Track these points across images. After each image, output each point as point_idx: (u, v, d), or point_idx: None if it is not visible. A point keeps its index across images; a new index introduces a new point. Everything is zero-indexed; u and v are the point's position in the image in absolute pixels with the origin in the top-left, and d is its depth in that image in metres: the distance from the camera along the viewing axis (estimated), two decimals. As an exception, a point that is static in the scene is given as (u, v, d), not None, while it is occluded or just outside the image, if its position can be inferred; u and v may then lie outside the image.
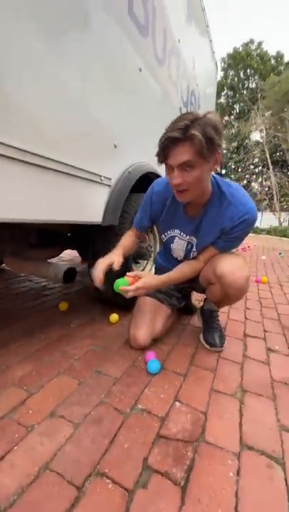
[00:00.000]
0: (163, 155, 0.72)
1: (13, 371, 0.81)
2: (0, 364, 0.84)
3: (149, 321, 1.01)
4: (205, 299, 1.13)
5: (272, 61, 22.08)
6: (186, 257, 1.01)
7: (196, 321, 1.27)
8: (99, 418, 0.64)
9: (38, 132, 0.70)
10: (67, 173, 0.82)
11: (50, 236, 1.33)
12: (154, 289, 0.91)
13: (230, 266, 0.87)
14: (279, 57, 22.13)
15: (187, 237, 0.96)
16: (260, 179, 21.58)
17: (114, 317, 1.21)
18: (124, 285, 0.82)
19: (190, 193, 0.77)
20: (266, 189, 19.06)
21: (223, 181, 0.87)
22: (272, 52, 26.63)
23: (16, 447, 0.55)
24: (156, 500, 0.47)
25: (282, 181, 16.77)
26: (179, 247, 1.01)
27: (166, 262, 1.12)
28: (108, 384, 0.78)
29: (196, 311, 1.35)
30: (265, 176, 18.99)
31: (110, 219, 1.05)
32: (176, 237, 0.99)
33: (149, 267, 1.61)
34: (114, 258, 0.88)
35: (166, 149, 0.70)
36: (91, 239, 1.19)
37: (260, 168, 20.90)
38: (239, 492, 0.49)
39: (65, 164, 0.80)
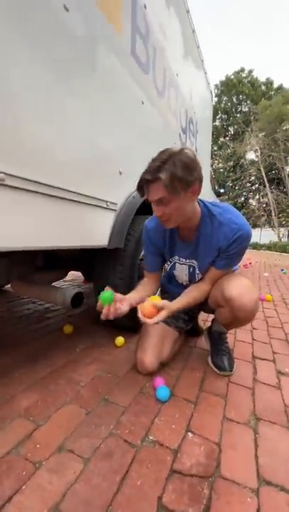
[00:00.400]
0: (141, 192, 0.81)
1: (19, 401, 0.79)
2: (4, 394, 0.82)
3: (157, 345, 0.99)
4: (213, 320, 1.12)
5: (263, 87, 23.43)
6: (192, 281, 1.02)
7: (203, 343, 1.25)
8: (109, 452, 0.62)
9: (49, 163, 0.74)
10: (75, 201, 0.85)
11: (56, 259, 1.34)
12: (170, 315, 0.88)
13: (239, 288, 0.87)
14: (269, 83, 23.54)
15: (187, 261, 0.98)
16: (257, 196, 22.08)
17: (120, 340, 1.19)
18: (110, 300, 0.81)
19: (172, 221, 0.83)
20: (264, 206, 19.44)
21: (211, 203, 0.92)
22: (262, 78, 28.32)
23: (24, 486, 0.52)
24: None
25: (278, 198, 17.15)
26: (181, 272, 1.03)
27: (172, 286, 1.13)
28: (117, 413, 0.75)
29: (202, 333, 1.34)
30: (262, 193, 19.46)
31: (116, 242, 1.07)
32: (177, 264, 1.02)
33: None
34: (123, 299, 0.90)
35: (142, 188, 0.79)
36: (96, 261, 1.21)
37: (256, 185, 21.49)
38: (261, 535, 0.46)
39: (73, 192, 0.83)
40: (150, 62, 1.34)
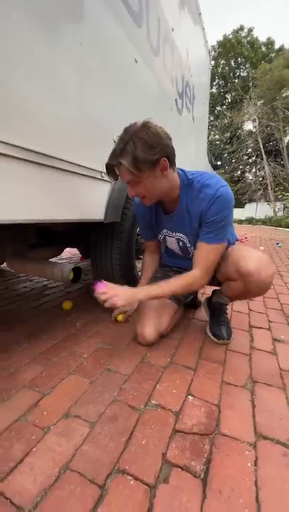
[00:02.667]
0: (113, 176, 0.80)
1: (23, 373, 0.80)
2: (7, 367, 0.84)
3: (156, 317, 1.00)
4: (214, 291, 1.14)
5: (263, 48, 21.82)
6: (185, 253, 1.02)
7: (201, 314, 1.28)
8: (114, 416, 0.64)
9: (37, 129, 0.68)
10: (68, 171, 0.80)
11: (51, 235, 1.31)
12: (130, 300, 0.87)
13: (256, 263, 0.84)
14: (269, 43, 21.90)
15: (174, 234, 0.98)
16: (253, 169, 21.56)
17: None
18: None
19: (148, 198, 0.83)
20: (260, 179, 19.07)
21: (190, 172, 0.89)
22: (262, 38, 26.26)
23: (34, 449, 0.55)
24: (178, 494, 0.47)
25: (275, 171, 16.79)
26: (172, 245, 1.04)
27: (168, 257, 1.13)
28: (120, 381, 0.78)
29: (200, 305, 1.36)
30: (258, 166, 18.99)
31: (112, 216, 1.04)
32: (166, 237, 1.02)
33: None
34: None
35: (111, 172, 0.79)
36: (93, 236, 1.18)
37: (253, 158, 20.88)
38: (259, 482, 0.50)
39: (65, 161, 0.78)
40: (143, 12, 1.20)
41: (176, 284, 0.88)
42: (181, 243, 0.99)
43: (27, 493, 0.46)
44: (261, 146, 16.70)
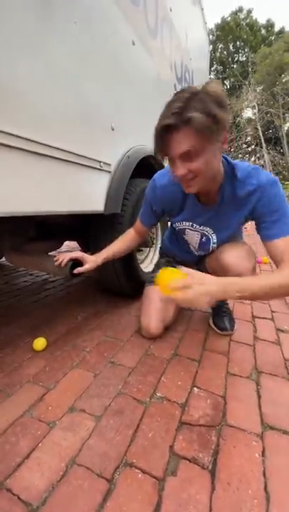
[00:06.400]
0: (160, 148, 0.62)
1: (26, 368, 0.80)
2: (11, 362, 0.83)
3: (161, 309, 0.99)
4: None
5: (263, 31, 21.10)
6: (203, 249, 0.94)
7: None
8: (119, 409, 0.64)
9: (31, 115, 0.64)
10: (66, 160, 0.77)
11: (50, 228, 1.28)
12: (219, 297, 0.64)
13: (234, 256, 0.83)
14: (269, 26, 21.18)
15: (201, 228, 0.86)
16: (253, 158, 21.28)
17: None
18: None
19: (199, 180, 0.64)
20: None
21: (233, 161, 0.77)
22: (262, 20, 25.35)
23: (40, 444, 0.54)
24: (186, 486, 0.47)
25: (275, 159, 16.56)
26: (192, 239, 0.94)
27: (178, 250, 1.07)
28: (124, 374, 0.77)
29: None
30: (258, 155, 18.70)
31: (112, 207, 1.01)
32: (187, 230, 0.92)
33: (152, 254, 1.59)
34: (86, 258, 0.91)
35: (162, 140, 0.60)
36: (93, 229, 1.15)
37: (252, 146, 20.55)
38: (267, 472, 0.50)
39: (63, 150, 0.75)
40: (140, -11, 1.14)
41: (272, 283, 0.64)
42: (204, 238, 0.89)
43: (35, 489, 0.46)
44: (261, 134, 16.40)
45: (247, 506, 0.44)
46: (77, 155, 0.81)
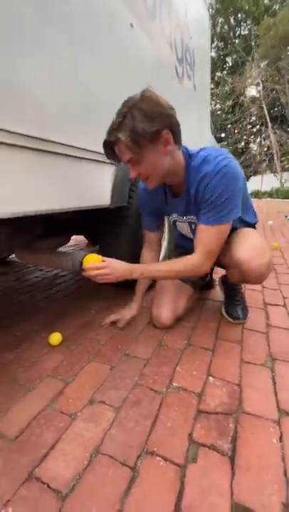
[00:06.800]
0: (108, 156, 0.73)
1: (44, 363, 0.82)
2: (29, 357, 0.85)
3: (172, 300, 1.00)
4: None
5: (266, 0, 19.78)
6: None
7: (215, 294, 1.27)
8: (137, 400, 0.66)
9: (31, 110, 0.63)
10: (69, 155, 0.75)
11: (57, 224, 1.29)
12: (126, 277, 0.81)
13: (248, 251, 0.80)
14: (273, -6, 19.77)
15: (185, 218, 0.91)
16: (258, 139, 20.53)
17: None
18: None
19: (152, 178, 0.75)
20: (265, 149, 18.20)
21: (191, 149, 0.80)
22: (264, -11, 23.71)
23: (63, 435, 0.56)
24: (208, 472, 0.48)
25: (282, 139, 15.94)
26: (183, 230, 0.99)
27: (181, 239, 1.10)
28: (139, 366, 0.79)
29: (214, 286, 1.35)
30: (263, 135, 18.05)
31: (119, 200, 1.00)
32: (177, 222, 0.96)
33: (163, 250, 1.57)
34: (125, 313, 1.00)
35: (107, 151, 0.72)
36: (101, 223, 1.15)
37: (257, 127, 19.80)
38: (286, 458, 0.51)
39: (64, 145, 0.73)
40: None
41: (174, 266, 0.82)
42: (193, 225, 0.92)
43: (62, 478, 0.48)
44: (266, 113, 15.75)
45: (267, 491, 0.45)
46: (80, 149, 0.79)
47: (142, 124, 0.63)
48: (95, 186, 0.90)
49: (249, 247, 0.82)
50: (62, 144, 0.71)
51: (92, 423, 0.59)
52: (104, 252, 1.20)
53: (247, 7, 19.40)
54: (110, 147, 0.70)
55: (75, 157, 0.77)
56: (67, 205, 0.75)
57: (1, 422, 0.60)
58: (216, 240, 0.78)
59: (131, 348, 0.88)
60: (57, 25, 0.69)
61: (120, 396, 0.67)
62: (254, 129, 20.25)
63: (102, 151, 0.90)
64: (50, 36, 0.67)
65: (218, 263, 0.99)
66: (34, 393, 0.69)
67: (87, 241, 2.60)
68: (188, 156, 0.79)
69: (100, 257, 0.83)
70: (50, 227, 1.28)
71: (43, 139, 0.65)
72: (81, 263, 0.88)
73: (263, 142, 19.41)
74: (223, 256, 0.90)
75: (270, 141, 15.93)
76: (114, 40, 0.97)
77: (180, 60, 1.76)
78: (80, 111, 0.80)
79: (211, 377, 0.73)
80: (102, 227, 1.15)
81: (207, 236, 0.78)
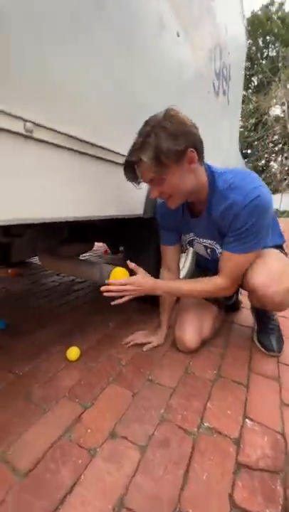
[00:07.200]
0: (129, 177, 0.70)
1: (61, 380, 0.76)
2: (45, 372, 0.79)
3: (197, 321, 0.92)
4: None
5: (296, 24, 20.00)
6: (215, 260, 0.86)
7: (242, 317, 1.17)
8: (165, 440, 0.57)
9: (79, 112, 0.59)
10: (112, 161, 0.71)
11: (83, 230, 1.25)
12: (149, 292, 0.80)
13: (264, 276, 0.73)
14: (303, 18, 20.01)
15: (202, 240, 0.86)
16: (279, 158, 20.36)
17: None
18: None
19: (175, 198, 0.72)
20: (286, 168, 17.96)
21: (217, 168, 0.75)
22: (295, 13, 24.05)
23: (82, 476, 0.49)
24: None
25: (305, 159, 15.69)
26: (200, 251, 0.93)
27: (201, 260, 1.03)
28: (165, 395, 0.71)
29: (240, 308, 1.25)
30: (286, 155, 17.88)
31: (152, 210, 0.95)
32: (195, 241, 0.90)
33: (183, 260, 1.50)
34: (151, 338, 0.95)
35: (128, 171, 0.69)
36: (130, 234, 1.10)
37: (280, 145, 19.68)
38: None
39: (109, 150, 0.69)
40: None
41: (198, 286, 0.80)
42: (209, 250, 0.87)
43: (81, 536, 0.40)
44: (290, 133, 15.62)
45: None
46: (122, 155, 0.75)
47: (167, 143, 0.61)
48: (131, 195, 0.85)
49: (265, 270, 0.74)
50: (109, 150, 0.67)
51: (114, 464, 0.52)
52: (131, 261, 1.15)
53: (276, 30, 19.70)
54: (132, 168, 0.68)
55: (117, 164, 0.72)
56: (105, 212, 0.70)
57: (13, 450, 0.54)
58: (242, 266, 0.76)
59: (154, 373, 0.80)
60: (108, 28, 0.66)
61: (145, 432, 0.59)
62: (276, 148, 20.13)
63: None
64: (100, 37, 0.64)
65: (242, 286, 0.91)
66: (50, 416, 0.63)
67: (104, 248, 2.57)
68: (212, 174, 0.74)
69: (127, 271, 0.79)
70: (75, 233, 1.24)
71: (94, 145, 0.61)
72: (109, 276, 0.82)
73: (284, 161, 19.21)
74: (243, 278, 0.82)
75: (293, 161, 15.73)
76: (161, 48, 0.94)
77: (218, 75, 1.73)
78: (125, 116, 0.77)
79: (248, 420, 0.63)
80: (130, 238, 1.10)
81: (232, 263, 0.75)
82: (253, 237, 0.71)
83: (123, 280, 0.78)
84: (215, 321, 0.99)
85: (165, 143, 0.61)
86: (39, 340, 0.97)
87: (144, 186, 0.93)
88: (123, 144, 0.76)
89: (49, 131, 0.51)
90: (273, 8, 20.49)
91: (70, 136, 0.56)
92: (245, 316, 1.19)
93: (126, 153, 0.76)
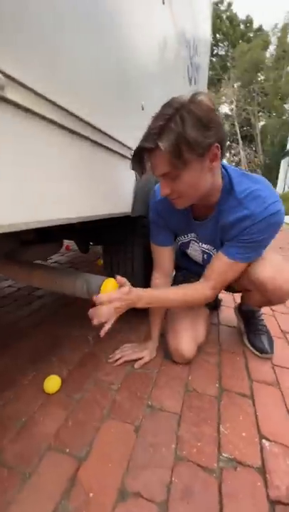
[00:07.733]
0: (137, 166, 0.59)
1: (40, 424, 0.59)
2: (17, 414, 0.62)
3: (191, 327, 0.85)
4: (242, 297, 1.00)
5: (242, 26, 21.23)
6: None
7: (226, 317, 1.15)
8: (186, 488, 0.48)
9: (74, 85, 0.43)
10: (110, 149, 0.56)
11: (50, 229, 1.04)
12: (129, 305, 0.68)
13: (270, 269, 0.72)
14: (248, 22, 21.37)
15: (201, 245, 0.81)
16: (228, 154, 21.80)
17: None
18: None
19: (187, 199, 0.64)
20: (234, 164, 19.34)
21: (235, 171, 0.68)
22: (241, 15, 25.46)
23: None
24: None
25: (250, 157, 17.14)
26: (195, 254, 0.87)
27: (185, 261, 0.96)
28: (172, 424, 0.61)
29: (220, 306, 1.24)
30: (233, 152, 19.19)
31: (141, 208, 0.82)
32: (193, 243, 0.84)
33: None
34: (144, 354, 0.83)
35: (139, 159, 0.58)
36: (111, 233, 0.95)
37: (228, 142, 21.01)
38: None
39: (99, 130, 0.54)
40: None
41: (184, 295, 0.74)
42: (206, 255, 0.83)
43: None
44: (238, 130, 16.78)
45: None
46: (110, 137, 0.59)
47: (194, 132, 0.51)
48: (120, 188, 0.71)
49: (267, 264, 0.74)
50: (94, 128, 0.51)
51: None
52: (113, 267, 1.00)
53: (225, 29, 20.57)
54: (141, 155, 0.57)
55: (111, 151, 0.57)
56: (97, 211, 0.55)
57: None
58: (233, 274, 0.73)
59: (154, 396, 0.70)
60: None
61: (161, 481, 0.49)
62: (225, 144, 21.43)
63: (130, 144, 0.72)
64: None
65: (229, 288, 0.89)
66: (34, 484, 0.47)
67: (66, 243, 2.32)
68: (229, 177, 0.66)
69: (115, 281, 0.68)
70: (40, 231, 1.03)
71: (80, 118, 0.45)
72: (99, 289, 0.67)
73: (232, 158, 20.62)
74: (240, 279, 0.78)
75: (240, 157, 17.01)
76: (147, 14, 0.79)
77: (191, 60, 1.64)
78: (116, 91, 0.61)
79: (265, 442, 0.58)
80: (112, 238, 0.95)
81: (226, 269, 0.71)
82: (257, 249, 0.70)
83: (114, 294, 0.65)
84: (207, 324, 0.94)
85: (192, 131, 0.50)
86: (1, 368, 0.77)
87: (132, 180, 0.79)
88: (113, 124, 0.61)
89: (25, 89, 0.34)
90: (222, 7, 21.27)
91: (50, 101, 0.39)
92: (228, 315, 1.17)
93: (110, 134, 0.61)
